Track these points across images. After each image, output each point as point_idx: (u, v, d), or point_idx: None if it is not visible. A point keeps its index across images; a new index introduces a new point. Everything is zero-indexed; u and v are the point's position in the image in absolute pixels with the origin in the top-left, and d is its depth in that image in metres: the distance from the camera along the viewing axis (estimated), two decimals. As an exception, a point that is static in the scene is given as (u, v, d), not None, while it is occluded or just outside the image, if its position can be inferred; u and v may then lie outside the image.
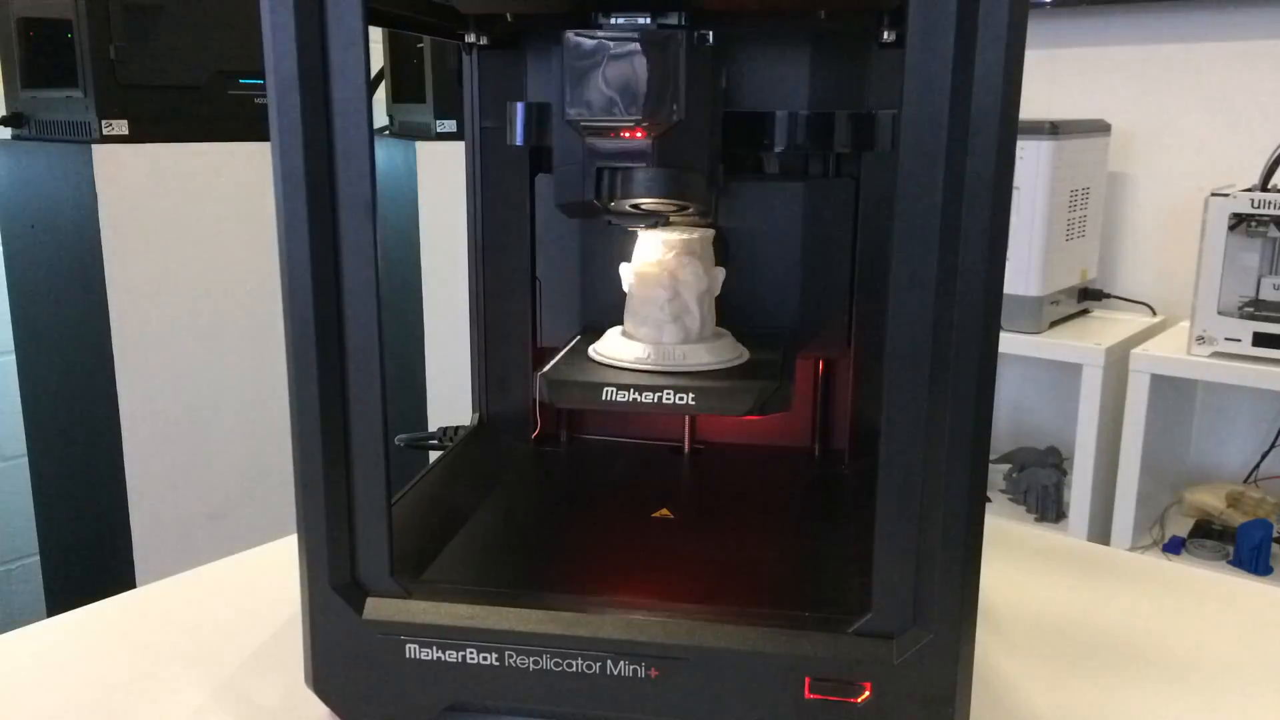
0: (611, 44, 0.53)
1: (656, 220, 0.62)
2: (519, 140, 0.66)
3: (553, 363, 0.61)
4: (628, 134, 0.55)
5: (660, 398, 0.55)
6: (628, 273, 0.63)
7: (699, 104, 0.55)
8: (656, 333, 0.61)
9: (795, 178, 0.68)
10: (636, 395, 0.56)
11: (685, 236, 0.62)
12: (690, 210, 0.59)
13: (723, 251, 0.66)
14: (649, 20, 0.54)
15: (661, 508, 0.65)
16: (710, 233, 0.64)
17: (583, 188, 0.58)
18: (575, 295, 0.71)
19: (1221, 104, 2.00)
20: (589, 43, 0.53)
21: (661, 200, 0.58)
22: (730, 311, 0.65)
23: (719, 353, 0.61)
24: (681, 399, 0.55)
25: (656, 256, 0.61)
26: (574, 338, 0.67)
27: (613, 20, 0.54)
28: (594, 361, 0.61)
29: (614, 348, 0.61)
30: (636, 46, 0.53)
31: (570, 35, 0.54)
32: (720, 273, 0.64)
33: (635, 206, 0.59)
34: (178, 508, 1.60)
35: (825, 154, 0.68)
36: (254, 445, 1.66)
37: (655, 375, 0.58)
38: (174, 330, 1.57)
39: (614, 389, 0.56)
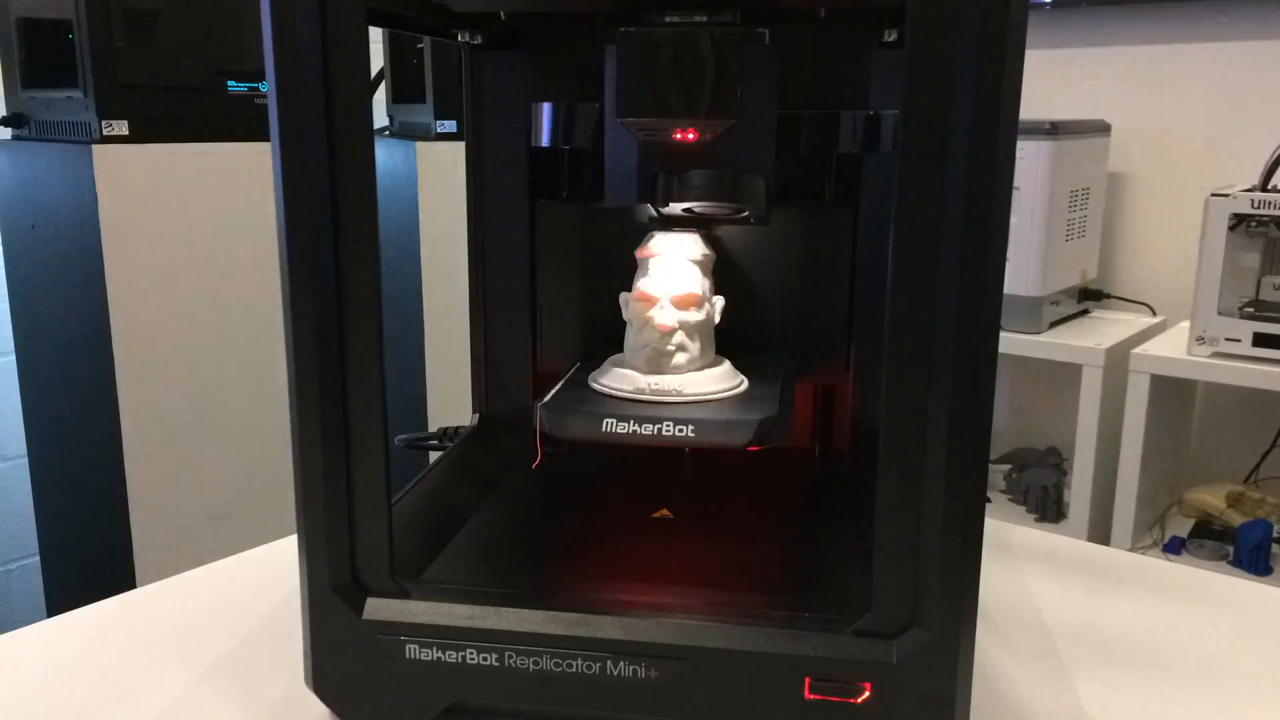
0: (668, 42, 0.52)
1: (696, 223, 0.61)
2: (545, 142, 0.65)
3: (553, 393, 0.61)
4: (682, 135, 0.54)
5: (660, 430, 0.56)
6: (627, 302, 0.63)
7: (757, 104, 0.54)
8: (656, 362, 0.60)
9: (793, 202, 0.68)
10: (636, 427, 0.56)
11: (685, 266, 0.62)
12: (746, 214, 0.59)
13: (722, 280, 0.66)
14: (705, 18, 0.53)
15: (661, 508, 0.65)
16: (711, 260, 0.64)
17: (637, 191, 0.57)
18: (575, 313, 0.71)
19: (1221, 104, 2.00)
20: (644, 40, 0.52)
21: (718, 204, 0.57)
22: (729, 338, 0.65)
23: (718, 382, 0.61)
24: (681, 431, 0.56)
25: (657, 286, 0.61)
26: (574, 365, 0.67)
27: (666, 18, 0.53)
28: (594, 391, 0.61)
29: (613, 378, 0.61)
30: (696, 44, 0.52)
31: (624, 32, 0.52)
32: (720, 301, 0.63)
33: (689, 210, 0.58)
34: (178, 508, 1.60)
35: (824, 160, 0.68)
36: (254, 445, 1.66)
37: (655, 406, 0.58)
38: (174, 330, 1.57)
39: (614, 421, 0.56)
